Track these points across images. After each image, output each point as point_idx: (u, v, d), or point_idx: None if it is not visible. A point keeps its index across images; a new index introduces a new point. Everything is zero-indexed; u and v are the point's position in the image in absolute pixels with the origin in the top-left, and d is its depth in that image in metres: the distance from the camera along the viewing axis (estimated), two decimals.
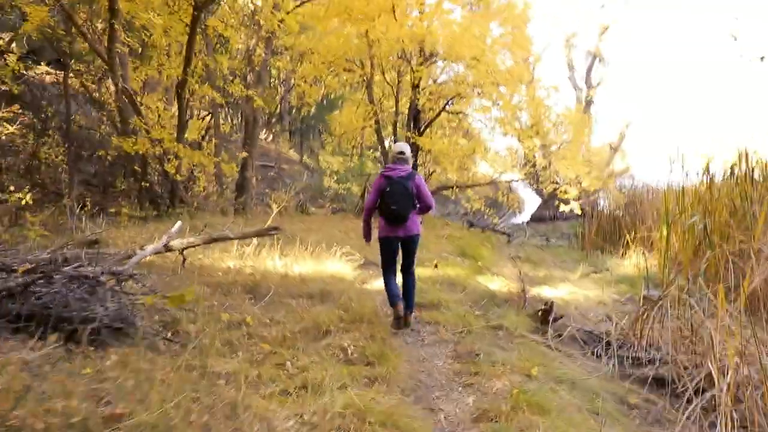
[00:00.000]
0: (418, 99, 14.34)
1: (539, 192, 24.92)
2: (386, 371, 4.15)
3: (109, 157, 10.49)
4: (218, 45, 12.03)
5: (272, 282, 6.23)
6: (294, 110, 26.84)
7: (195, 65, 10.15)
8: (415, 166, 15.33)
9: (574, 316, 7.26)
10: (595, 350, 6.10)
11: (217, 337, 4.34)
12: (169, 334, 4.25)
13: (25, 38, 11.32)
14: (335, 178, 18.02)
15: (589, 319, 7.54)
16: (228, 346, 4.29)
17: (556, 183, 14.22)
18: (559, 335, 6.03)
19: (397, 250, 5.77)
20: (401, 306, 5.58)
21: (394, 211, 5.39)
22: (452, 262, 9.33)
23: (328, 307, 5.71)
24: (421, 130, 14.81)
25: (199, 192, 11.53)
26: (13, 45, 11.88)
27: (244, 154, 12.10)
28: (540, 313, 6.24)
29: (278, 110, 28.50)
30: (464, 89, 12.67)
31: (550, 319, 6.14)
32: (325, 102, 22.96)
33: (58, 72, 12.92)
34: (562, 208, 13.00)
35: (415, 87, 14.38)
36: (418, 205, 5.56)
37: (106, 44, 9.96)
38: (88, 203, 9.87)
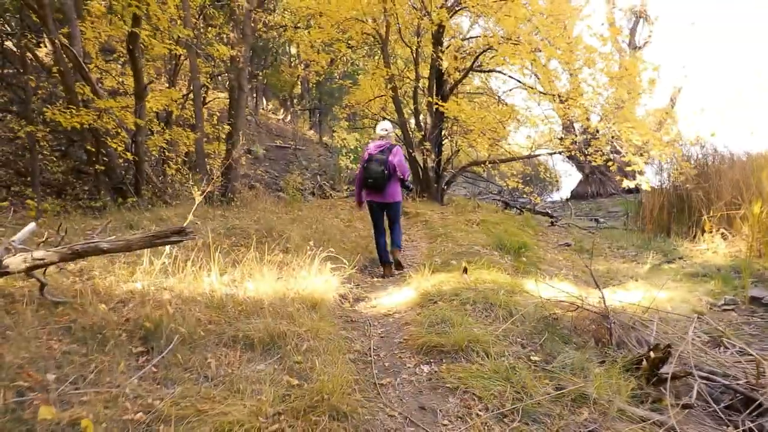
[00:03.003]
0: (441, 59, 11.50)
1: (580, 166, 21.78)
2: None
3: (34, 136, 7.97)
4: None
5: (194, 317, 3.62)
6: (313, 87, 24.22)
7: (149, 11, 7.50)
8: (440, 139, 12.57)
9: (668, 338, 4.57)
10: (744, 424, 3.38)
11: None
12: None
13: None
14: (351, 157, 15.30)
15: (693, 344, 4.77)
16: None
17: (614, 153, 11.26)
18: (685, 407, 3.28)
19: (381, 213, 6.27)
20: (390, 268, 6.30)
21: (370, 183, 6.00)
22: (487, 261, 6.60)
23: (269, 372, 3.08)
24: (446, 95, 11.98)
25: (173, 176, 8.98)
26: None
27: (227, 128, 9.48)
28: (646, 364, 3.48)
29: (299, 89, 26.04)
30: (495, 41, 9.79)
31: (666, 375, 3.38)
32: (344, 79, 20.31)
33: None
34: (626, 183, 10.03)
35: (436, 43, 11.53)
36: (397, 174, 6.05)
37: None
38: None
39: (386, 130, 6.25)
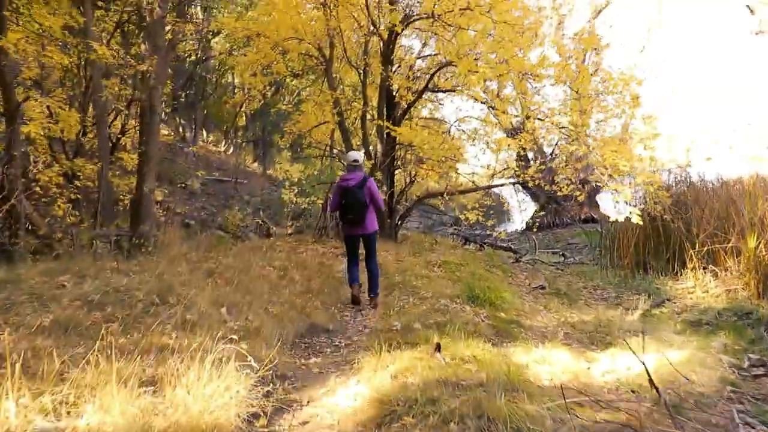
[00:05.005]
0: (391, 78, 9.97)
1: (535, 196, 20.59)
2: None
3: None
4: None
5: None
6: (257, 115, 22.33)
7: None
8: (392, 169, 10.97)
9: None
10: None
11: None
12: None
13: None
14: (295, 190, 13.46)
15: None
16: None
17: (581, 182, 9.88)
18: None
19: (357, 245, 6.14)
20: (356, 288, 6.05)
21: (350, 219, 5.91)
22: (462, 322, 4.94)
23: None
24: (398, 119, 10.42)
25: (64, 218, 6.97)
26: None
27: (134, 158, 7.56)
28: None
29: (243, 121, 24.15)
30: (455, 56, 8.29)
31: None
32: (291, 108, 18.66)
33: None
34: (615, 215, 8.56)
35: (386, 62, 9.99)
36: (370, 205, 5.95)
37: None
38: None
39: (357, 161, 6.11)
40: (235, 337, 3.75)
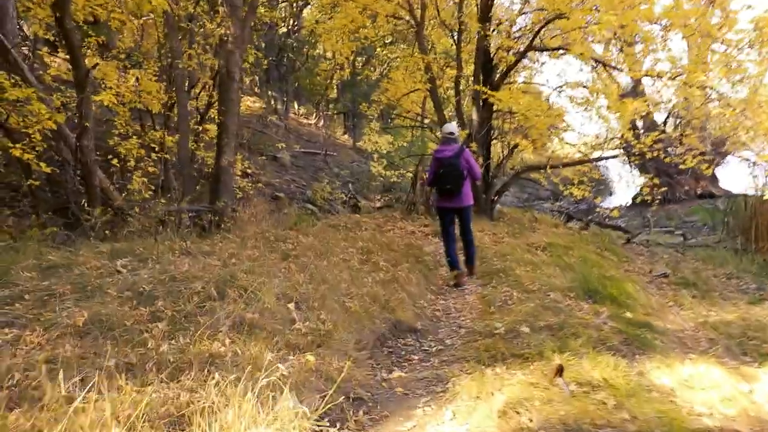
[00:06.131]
0: (489, 39, 8.79)
1: (643, 167, 18.51)
2: None
3: None
4: None
5: None
6: (347, 85, 21.64)
7: None
8: (488, 139, 9.84)
9: None
10: None
11: None
12: None
13: None
14: (383, 163, 12.67)
15: None
16: None
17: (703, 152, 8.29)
18: None
19: (452, 218, 5.91)
20: (458, 274, 5.76)
21: (447, 189, 5.68)
22: (580, 325, 3.91)
23: None
24: (496, 83, 9.24)
25: (137, 191, 6.56)
26: None
27: (210, 127, 6.99)
28: None
29: (334, 92, 23.65)
30: (566, 6, 6.99)
31: None
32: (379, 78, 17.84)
33: None
34: (751, 190, 6.92)
35: (484, 19, 8.82)
36: (467, 177, 5.68)
37: None
38: None
39: (453, 134, 5.93)
40: (301, 342, 2.99)
